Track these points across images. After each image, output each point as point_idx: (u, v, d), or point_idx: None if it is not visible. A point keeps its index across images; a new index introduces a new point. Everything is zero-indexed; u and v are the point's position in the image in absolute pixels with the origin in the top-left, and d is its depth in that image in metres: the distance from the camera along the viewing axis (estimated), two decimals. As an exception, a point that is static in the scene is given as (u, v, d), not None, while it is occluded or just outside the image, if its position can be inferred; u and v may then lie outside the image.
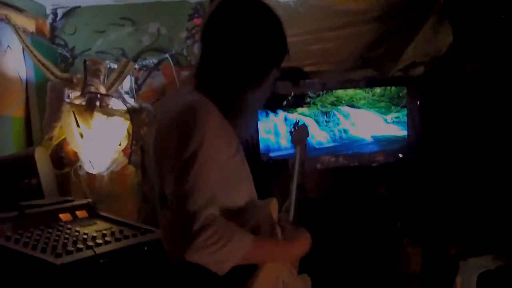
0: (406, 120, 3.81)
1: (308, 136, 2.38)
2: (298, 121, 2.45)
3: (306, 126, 2.38)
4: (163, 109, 1.75)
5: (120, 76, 3.56)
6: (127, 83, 3.69)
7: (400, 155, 3.83)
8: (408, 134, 3.82)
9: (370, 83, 3.79)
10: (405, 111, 3.81)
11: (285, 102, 3.73)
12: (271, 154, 3.71)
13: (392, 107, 3.81)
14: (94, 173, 3.55)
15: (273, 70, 1.73)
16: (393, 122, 3.83)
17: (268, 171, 3.51)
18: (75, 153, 3.53)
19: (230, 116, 1.65)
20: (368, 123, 3.84)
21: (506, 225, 3.30)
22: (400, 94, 3.82)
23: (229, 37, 1.65)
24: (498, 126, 3.49)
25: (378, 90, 3.82)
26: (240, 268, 1.55)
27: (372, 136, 3.86)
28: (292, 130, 2.39)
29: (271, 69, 1.72)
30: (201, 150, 1.51)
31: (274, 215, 1.80)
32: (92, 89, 3.44)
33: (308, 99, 3.77)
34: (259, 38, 1.66)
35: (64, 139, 3.52)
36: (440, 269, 3.56)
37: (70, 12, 3.83)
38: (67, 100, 3.45)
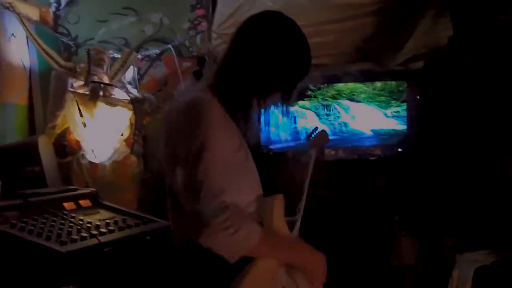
0: (405, 114, 3.84)
1: (327, 142, 2.44)
2: (317, 127, 2.48)
3: (326, 133, 2.44)
4: (173, 104, 1.79)
5: (123, 66, 3.57)
6: (129, 73, 3.69)
7: (399, 149, 3.86)
8: (407, 128, 3.86)
9: (369, 77, 3.81)
10: (404, 106, 3.83)
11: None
12: (272, 147, 3.73)
13: (392, 102, 3.84)
14: (96, 162, 3.57)
15: (290, 87, 1.79)
16: (393, 116, 3.86)
17: (268, 163, 3.53)
18: (78, 142, 3.55)
19: (235, 117, 1.71)
20: (368, 117, 3.87)
21: (501, 217, 3.34)
22: (400, 89, 3.84)
23: (258, 47, 1.72)
24: (494, 119, 3.52)
25: (378, 84, 3.85)
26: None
27: (371, 130, 3.90)
28: (310, 135, 2.44)
29: (286, 86, 1.78)
30: (208, 141, 1.57)
31: (279, 211, 1.81)
32: (96, 78, 3.45)
33: (309, 92, 3.80)
34: (284, 57, 1.73)
35: (67, 128, 3.53)
36: (436, 261, 3.61)
37: (73, 1, 3.83)
38: (71, 89, 3.47)
